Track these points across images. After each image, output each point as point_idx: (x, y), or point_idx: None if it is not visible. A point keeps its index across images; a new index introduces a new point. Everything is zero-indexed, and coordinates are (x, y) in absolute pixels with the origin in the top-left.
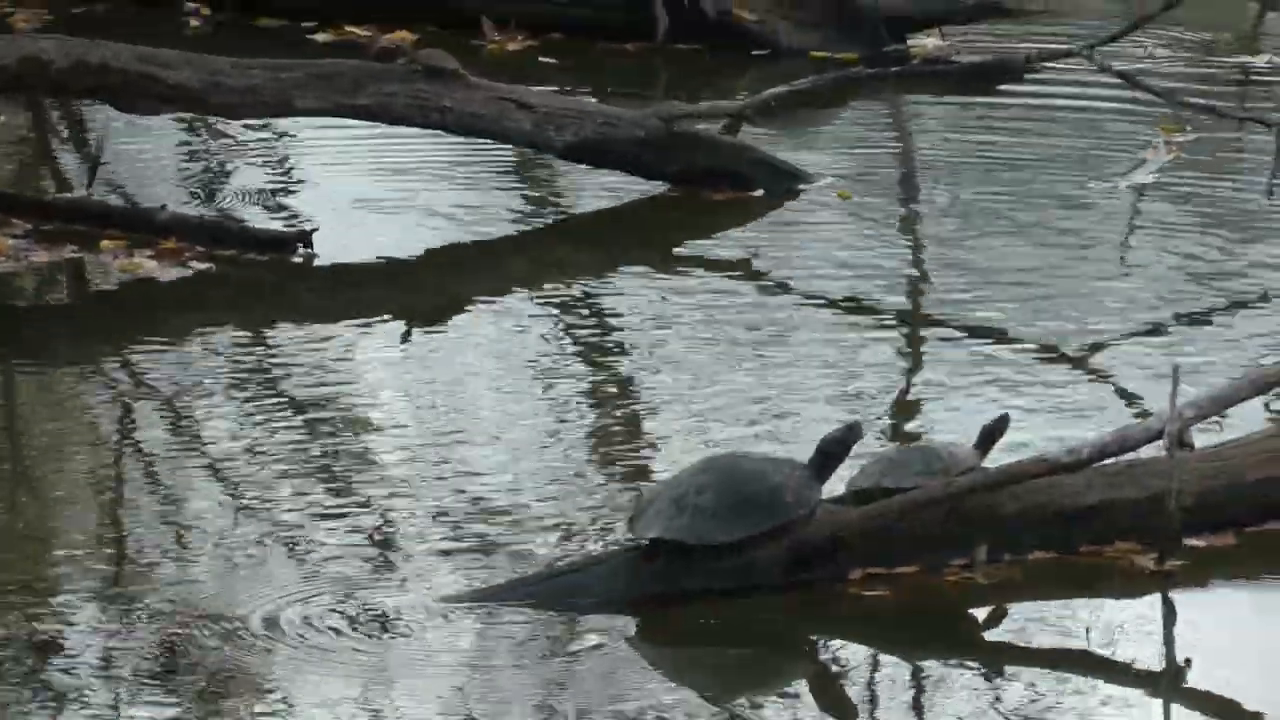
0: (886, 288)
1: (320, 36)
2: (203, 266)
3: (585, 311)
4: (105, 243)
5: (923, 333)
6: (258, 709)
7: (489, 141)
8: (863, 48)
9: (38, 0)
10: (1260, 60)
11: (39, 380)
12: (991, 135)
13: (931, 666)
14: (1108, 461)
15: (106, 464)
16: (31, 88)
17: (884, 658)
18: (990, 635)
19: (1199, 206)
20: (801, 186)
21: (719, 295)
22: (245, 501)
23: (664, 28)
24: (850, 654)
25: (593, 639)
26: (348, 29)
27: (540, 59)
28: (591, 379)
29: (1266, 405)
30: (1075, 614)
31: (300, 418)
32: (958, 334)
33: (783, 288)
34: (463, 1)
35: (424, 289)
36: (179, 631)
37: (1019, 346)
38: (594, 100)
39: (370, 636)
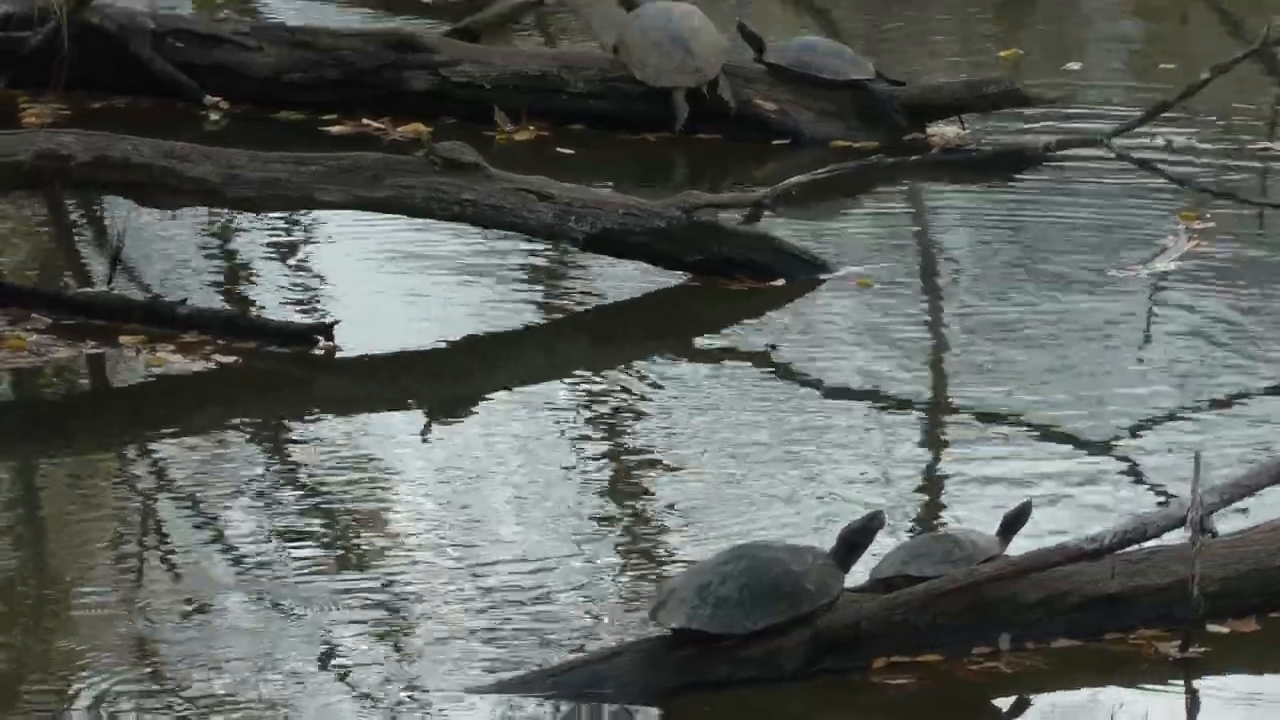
0: (908, 377)
1: (335, 129)
2: (224, 360)
3: (606, 403)
4: (126, 337)
5: (945, 421)
6: None
7: (510, 233)
8: (883, 137)
9: (55, 96)
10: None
11: (60, 474)
12: (1012, 222)
13: None
14: (1130, 549)
15: (129, 557)
16: (51, 183)
17: None
18: None
19: (1220, 293)
20: (822, 276)
21: (741, 386)
22: (263, 592)
23: (683, 118)
24: None
25: None
26: (364, 121)
27: (558, 149)
28: (612, 470)
29: None
30: (1099, 702)
31: (322, 509)
32: (979, 422)
33: (804, 377)
34: (481, 94)
35: (444, 381)
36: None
37: (1041, 434)
38: (614, 191)
39: None
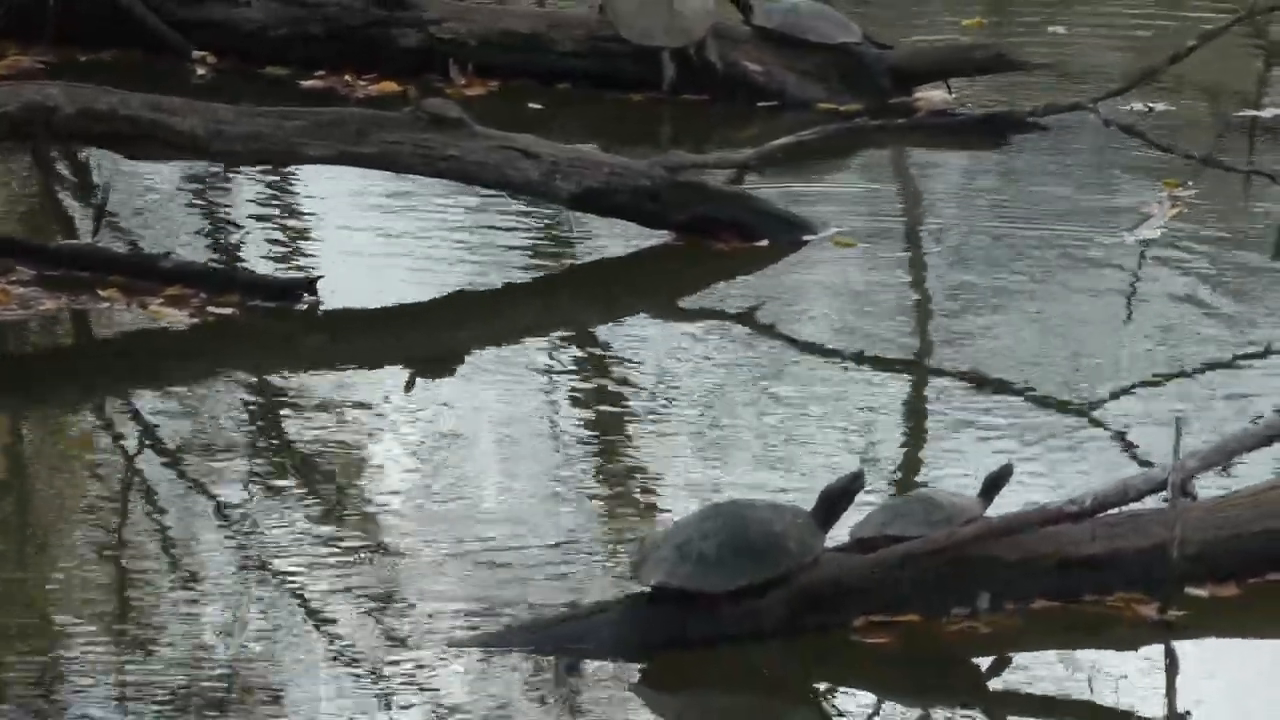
0: (891, 338)
1: (305, 84)
2: (208, 314)
3: (589, 361)
4: (110, 290)
5: (927, 382)
6: None
7: (495, 191)
8: (869, 100)
9: (43, 48)
10: (1265, 113)
11: (45, 428)
12: (996, 187)
13: (933, 714)
14: (1110, 511)
15: (108, 511)
16: (37, 135)
17: (886, 705)
18: (992, 683)
19: (1204, 259)
20: (806, 237)
21: (724, 345)
22: (248, 550)
23: (670, 78)
24: (853, 701)
25: (598, 686)
26: (348, 79)
27: (529, 104)
28: (595, 427)
29: None
30: (1077, 663)
31: (304, 465)
32: (962, 384)
33: (788, 337)
34: (471, 53)
35: (429, 337)
36: (185, 685)
37: (1024, 397)
38: (599, 150)
39: (378, 682)
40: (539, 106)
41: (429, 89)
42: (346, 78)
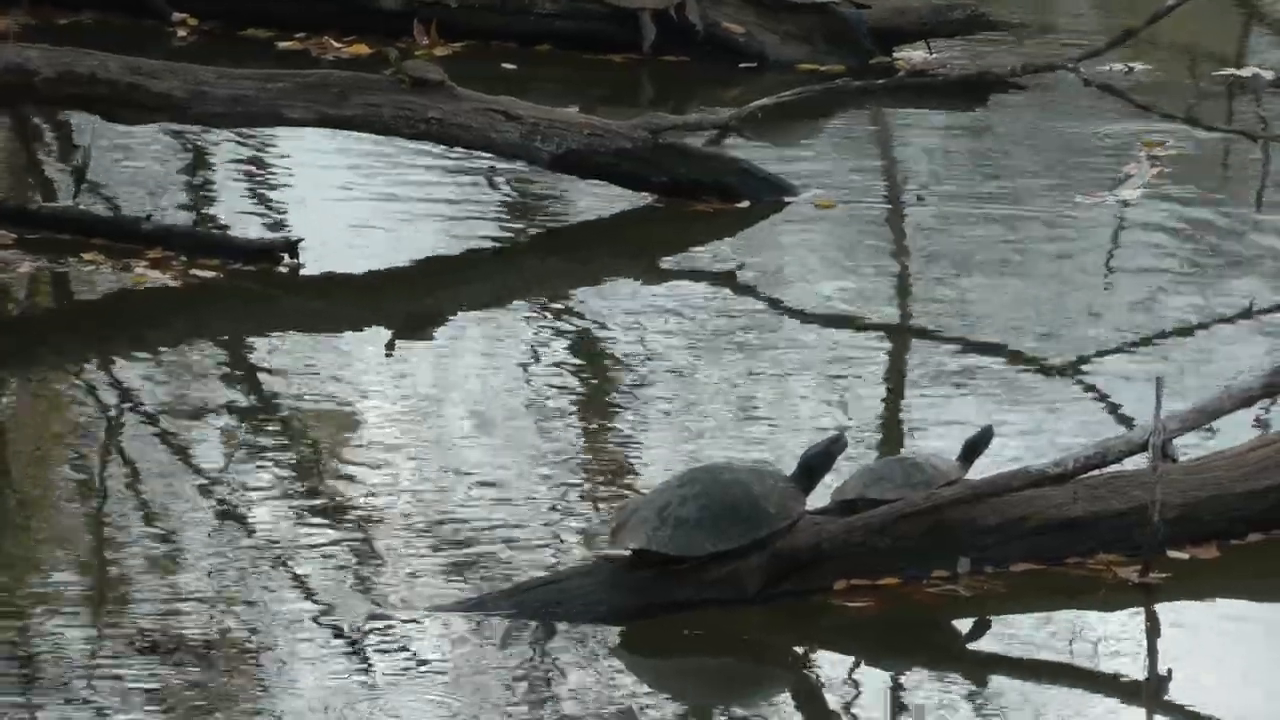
0: (872, 300)
1: (282, 44)
2: (190, 276)
3: (571, 323)
4: (91, 253)
5: (908, 345)
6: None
7: (477, 152)
8: (850, 60)
9: (22, 11)
10: (1245, 74)
11: (25, 389)
12: (977, 147)
13: (913, 677)
14: (1091, 474)
15: (89, 473)
16: (16, 98)
17: (866, 668)
18: (972, 646)
19: (1184, 220)
20: (787, 198)
21: (705, 306)
22: (229, 511)
23: (651, 40)
24: (833, 664)
25: (577, 649)
26: (327, 40)
27: (504, 66)
28: (577, 389)
29: (1261, 420)
30: (1058, 625)
31: (284, 427)
32: (943, 346)
33: (769, 299)
34: (452, 14)
35: (410, 300)
36: (164, 643)
37: (1004, 359)
38: (579, 111)
39: (356, 644)
40: (513, 67)
41: (394, 50)
42: (324, 39)
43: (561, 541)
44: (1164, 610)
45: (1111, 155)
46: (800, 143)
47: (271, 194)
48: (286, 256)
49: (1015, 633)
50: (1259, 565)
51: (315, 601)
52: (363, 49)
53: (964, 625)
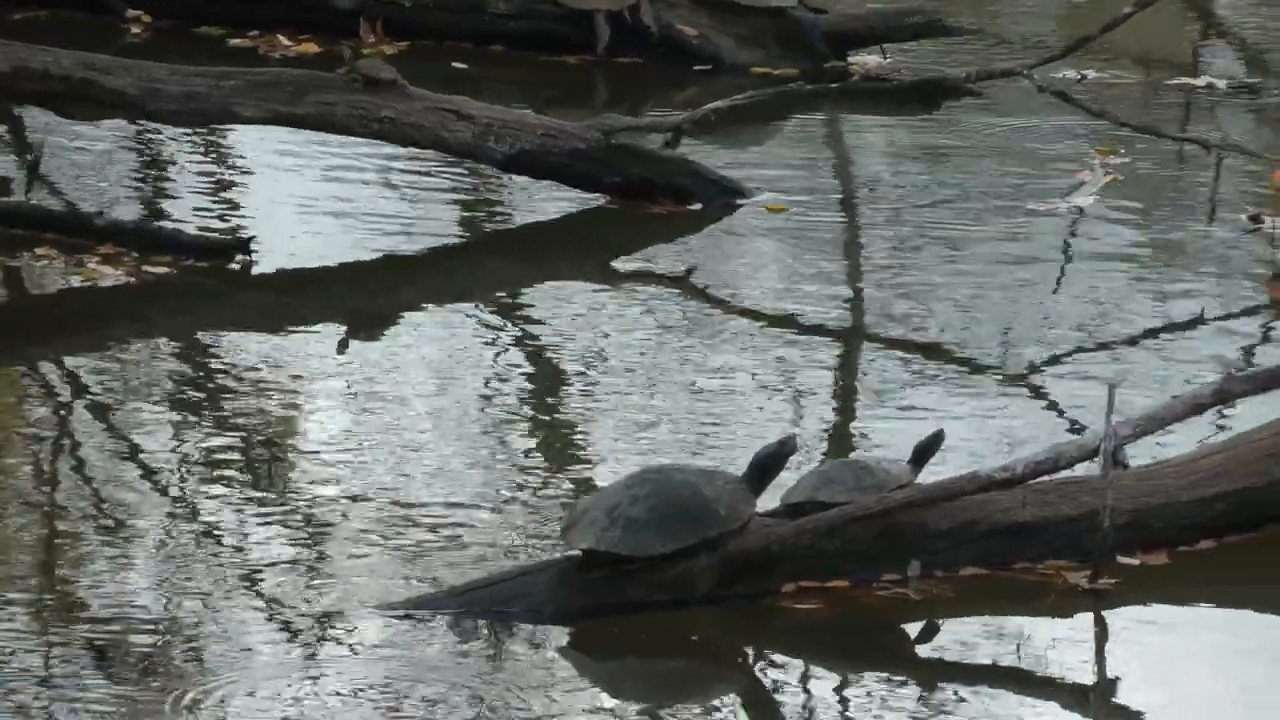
0: (823, 303)
1: (233, 42)
2: (143, 273)
3: (523, 323)
4: (43, 248)
5: (859, 348)
6: (188, 711)
7: (430, 151)
8: (804, 64)
9: None
10: (1199, 83)
11: None
12: (930, 153)
13: (863, 680)
14: (1042, 479)
15: (41, 471)
16: None
17: (815, 671)
18: (922, 650)
19: (1137, 227)
20: (739, 201)
21: (657, 308)
22: (179, 507)
23: (605, 41)
24: (782, 667)
25: (526, 649)
26: (271, 40)
27: (455, 65)
28: (528, 390)
29: (1217, 422)
30: (1007, 630)
31: (235, 424)
32: (894, 350)
33: (720, 302)
34: (405, 13)
35: (362, 298)
36: (112, 633)
37: (956, 363)
38: (533, 112)
39: (307, 644)
40: (465, 67)
41: (340, 50)
42: (277, 37)
43: (513, 541)
44: (1113, 616)
45: (1065, 162)
46: (753, 146)
47: (225, 191)
48: (239, 253)
49: (964, 637)
50: (1209, 572)
51: (265, 598)
52: (312, 47)
53: (913, 629)
